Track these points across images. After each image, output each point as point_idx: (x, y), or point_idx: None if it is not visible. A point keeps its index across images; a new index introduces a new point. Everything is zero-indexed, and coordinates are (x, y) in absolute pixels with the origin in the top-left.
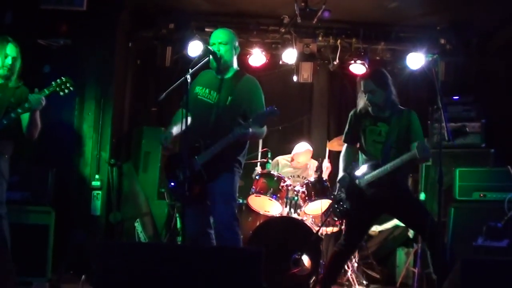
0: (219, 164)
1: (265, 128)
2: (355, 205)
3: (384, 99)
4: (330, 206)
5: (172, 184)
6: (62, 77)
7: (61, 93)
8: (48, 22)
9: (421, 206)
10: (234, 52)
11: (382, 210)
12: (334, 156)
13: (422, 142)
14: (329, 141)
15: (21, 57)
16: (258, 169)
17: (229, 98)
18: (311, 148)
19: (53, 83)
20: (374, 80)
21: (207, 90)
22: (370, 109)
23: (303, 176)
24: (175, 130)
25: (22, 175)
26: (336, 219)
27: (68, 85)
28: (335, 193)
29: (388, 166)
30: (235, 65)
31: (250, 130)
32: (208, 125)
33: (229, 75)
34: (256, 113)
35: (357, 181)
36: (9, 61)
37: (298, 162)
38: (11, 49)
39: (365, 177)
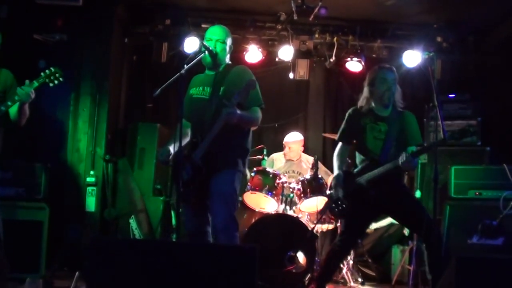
0: (219, 158)
1: (259, 115)
2: (355, 203)
3: (395, 94)
4: (327, 205)
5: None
6: (51, 68)
7: (51, 84)
8: (44, 17)
9: (419, 204)
10: (228, 50)
11: (381, 209)
12: (330, 146)
13: (408, 153)
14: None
15: None
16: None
17: (222, 88)
18: (302, 136)
19: (42, 73)
20: (395, 72)
21: (200, 88)
22: (381, 101)
23: (298, 172)
24: (176, 145)
25: (16, 171)
26: (333, 217)
27: (57, 75)
28: (329, 192)
29: (376, 171)
30: (227, 61)
31: (237, 110)
32: (205, 120)
33: (220, 69)
34: (238, 89)
35: (356, 180)
36: None
37: (290, 148)
38: None
39: (366, 175)
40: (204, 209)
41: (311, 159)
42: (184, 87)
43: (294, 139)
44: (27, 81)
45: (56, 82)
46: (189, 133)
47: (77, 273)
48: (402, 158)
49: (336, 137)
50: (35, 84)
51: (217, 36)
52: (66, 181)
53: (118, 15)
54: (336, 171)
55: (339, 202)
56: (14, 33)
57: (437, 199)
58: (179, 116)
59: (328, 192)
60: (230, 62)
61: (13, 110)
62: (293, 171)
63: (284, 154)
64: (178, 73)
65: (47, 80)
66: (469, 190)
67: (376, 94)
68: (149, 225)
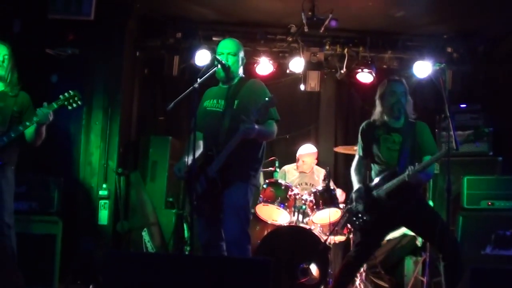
0: (233, 170)
1: (274, 128)
2: (375, 216)
3: (406, 105)
4: (342, 217)
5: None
6: (70, 91)
7: (69, 107)
8: (56, 32)
9: (437, 215)
10: (240, 63)
11: (399, 221)
12: (341, 158)
13: (413, 167)
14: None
15: (14, 60)
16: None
17: (236, 102)
18: (315, 149)
19: (61, 96)
20: (404, 84)
21: (214, 101)
22: (391, 113)
23: (310, 183)
24: (190, 158)
25: (29, 185)
26: (353, 230)
27: (76, 99)
28: (350, 206)
29: (395, 181)
30: (240, 74)
31: (255, 125)
32: (219, 133)
33: (234, 82)
34: (257, 106)
35: (374, 192)
36: (1, 59)
37: (303, 161)
38: (1, 48)
39: (384, 186)
40: (217, 222)
41: (322, 171)
42: (197, 101)
43: (308, 151)
44: (45, 103)
45: (74, 105)
46: (201, 145)
47: (90, 286)
48: (408, 172)
49: (347, 150)
50: (54, 106)
51: (228, 49)
52: (79, 195)
53: (130, 28)
54: (356, 185)
55: (360, 215)
56: (26, 48)
57: (450, 210)
58: (191, 129)
59: (348, 206)
60: (243, 75)
61: (29, 130)
62: (306, 183)
63: (297, 166)
64: (191, 87)
65: (65, 103)
66: (481, 201)
67: (387, 106)
68: (162, 238)
